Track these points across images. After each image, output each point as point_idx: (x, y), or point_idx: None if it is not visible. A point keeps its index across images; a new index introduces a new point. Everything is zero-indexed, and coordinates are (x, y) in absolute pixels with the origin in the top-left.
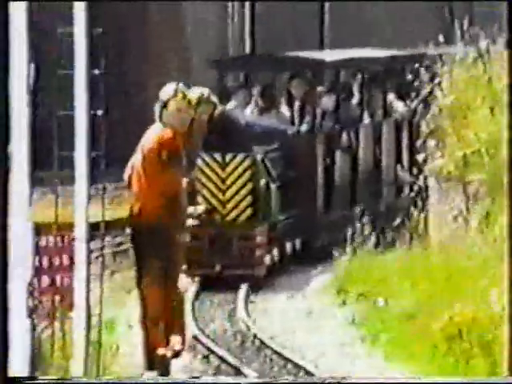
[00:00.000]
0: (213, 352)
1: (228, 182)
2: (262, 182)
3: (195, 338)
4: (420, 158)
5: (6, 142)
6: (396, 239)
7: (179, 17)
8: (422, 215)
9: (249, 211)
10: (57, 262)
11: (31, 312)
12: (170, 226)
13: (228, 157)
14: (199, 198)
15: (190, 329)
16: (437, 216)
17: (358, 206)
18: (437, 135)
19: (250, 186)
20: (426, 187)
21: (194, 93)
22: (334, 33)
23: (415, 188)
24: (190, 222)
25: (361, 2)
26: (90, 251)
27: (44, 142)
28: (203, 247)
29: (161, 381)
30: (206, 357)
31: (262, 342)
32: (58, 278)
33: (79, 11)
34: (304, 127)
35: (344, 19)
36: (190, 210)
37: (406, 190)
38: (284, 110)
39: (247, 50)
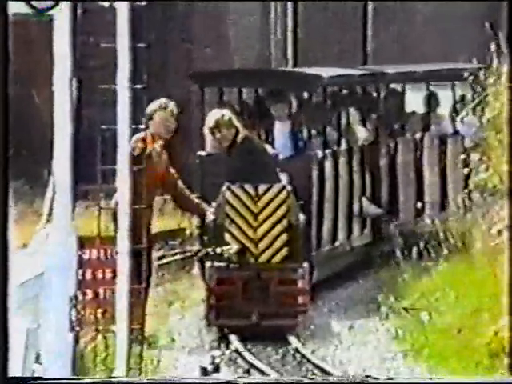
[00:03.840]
0: (254, 366)
1: (261, 218)
2: (301, 217)
3: (236, 351)
4: (464, 172)
5: (6, 142)
6: (439, 254)
7: (222, 26)
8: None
9: (284, 251)
10: (100, 275)
11: (74, 325)
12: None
13: (261, 188)
14: (227, 236)
15: (232, 342)
16: (481, 230)
17: (337, 240)
18: (481, 149)
19: (285, 222)
20: (470, 201)
21: (213, 115)
22: (377, 48)
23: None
24: (217, 263)
25: (405, 17)
26: (132, 264)
27: (87, 156)
28: (236, 294)
29: (161, 381)
30: (246, 371)
31: (303, 356)
32: (101, 292)
33: (122, 25)
34: (290, 151)
35: (387, 34)
36: (218, 250)
37: (368, 223)
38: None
39: (290, 62)
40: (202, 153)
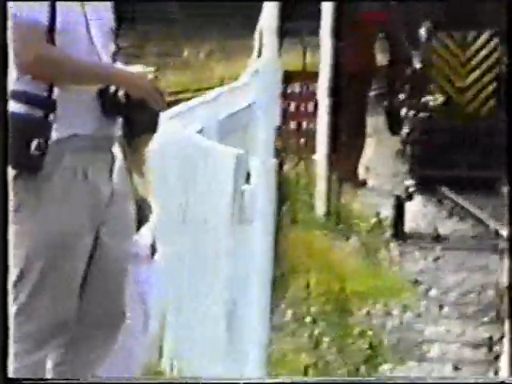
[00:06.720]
0: (446, 197)
1: (469, 67)
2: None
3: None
4: None
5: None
6: None
7: None
8: None
9: (492, 102)
10: (302, 108)
11: (279, 153)
12: None
13: (471, 35)
14: (432, 86)
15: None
16: None
17: None
18: None
19: (495, 71)
20: None
21: None
22: None
23: None
24: (422, 114)
25: None
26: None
27: None
28: (443, 144)
29: (160, 381)
30: (439, 200)
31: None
32: (303, 123)
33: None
34: None
35: None
36: (423, 100)
37: None
38: None
39: None
40: None
